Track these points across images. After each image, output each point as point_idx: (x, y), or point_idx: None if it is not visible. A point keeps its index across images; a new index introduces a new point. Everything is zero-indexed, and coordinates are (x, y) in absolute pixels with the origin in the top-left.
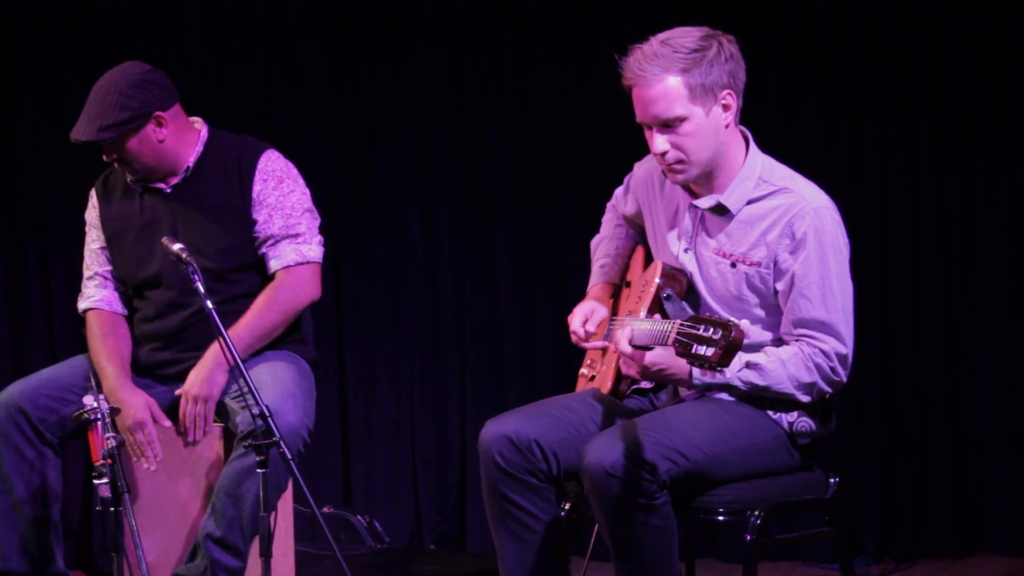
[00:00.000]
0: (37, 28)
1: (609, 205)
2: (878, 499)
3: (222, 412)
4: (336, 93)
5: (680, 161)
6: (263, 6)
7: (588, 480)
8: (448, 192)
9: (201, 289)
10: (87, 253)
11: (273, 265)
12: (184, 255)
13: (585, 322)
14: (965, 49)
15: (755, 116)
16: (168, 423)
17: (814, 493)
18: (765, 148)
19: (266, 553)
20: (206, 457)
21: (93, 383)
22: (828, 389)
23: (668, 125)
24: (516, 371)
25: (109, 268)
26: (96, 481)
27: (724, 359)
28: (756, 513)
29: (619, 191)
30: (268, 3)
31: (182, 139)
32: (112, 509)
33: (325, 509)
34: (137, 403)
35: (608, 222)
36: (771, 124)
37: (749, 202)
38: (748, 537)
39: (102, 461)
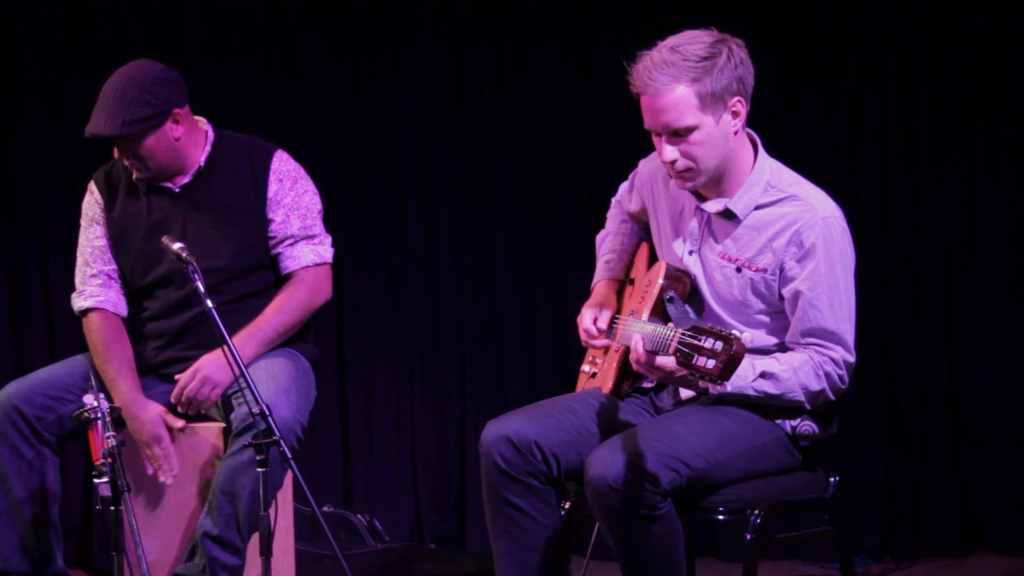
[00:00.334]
0: (37, 27)
1: (614, 200)
2: (878, 498)
3: (218, 410)
4: (336, 93)
5: (689, 169)
6: (263, 6)
7: (592, 494)
8: (448, 192)
9: (201, 288)
10: (88, 249)
11: (290, 265)
12: (184, 254)
13: (595, 320)
14: (965, 47)
15: (755, 114)
16: (180, 423)
17: (814, 492)
18: (765, 146)
19: (266, 552)
20: (206, 456)
21: (93, 382)
22: (832, 397)
23: (677, 134)
24: (516, 371)
25: (114, 267)
26: (96, 480)
27: (725, 372)
28: (756, 512)
29: (624, 187)
30: (268, 3)
31: (192, 138)
32: (112, 508)
33: (325, 508)
34: (152, 417)
35: (613, 218)
36: (771, 122)
37: (757, 207)
38: (748, 536)
39: (102, 460)
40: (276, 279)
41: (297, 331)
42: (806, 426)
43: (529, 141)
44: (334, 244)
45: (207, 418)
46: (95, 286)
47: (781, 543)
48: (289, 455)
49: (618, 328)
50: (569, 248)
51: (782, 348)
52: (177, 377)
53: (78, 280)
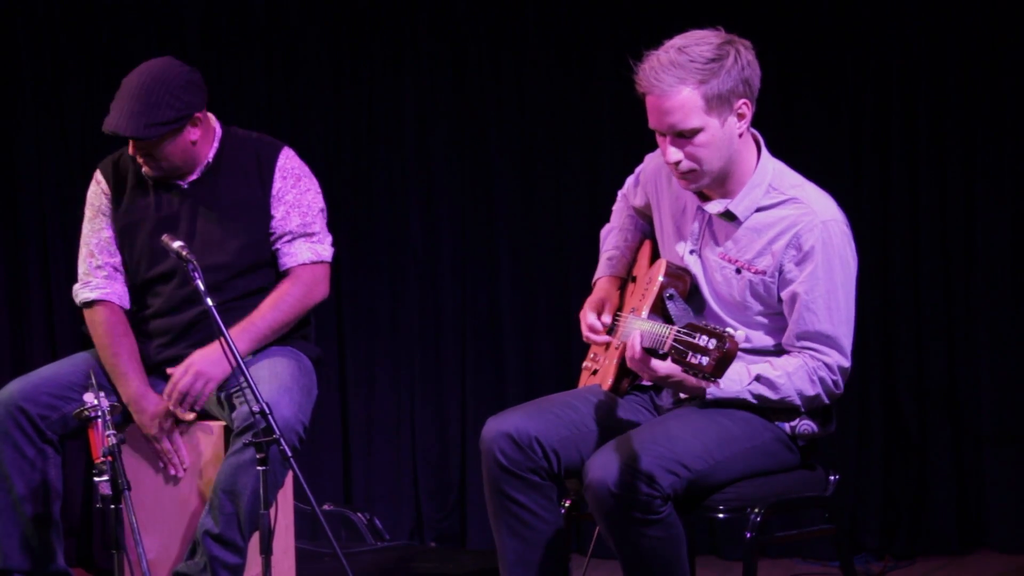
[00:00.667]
0: (37, 24)
1: (620, 194)
2: (878, 496)
3: (222, 409)
4: (336, 92)
5: (693, 171)
6: (263, 4)
7: (591, 498)
8: (448, 190)
9: (201, 286)
10: (94, 240)
11: (287, 262)
12: (184, 252)
13: (598, 316)
14: (966, 47)
15: (755, 114)
16: (190, 415)
17: (814, 491)
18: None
19: (266, 550)
20: (207, 454)
21: (94, 380)
22: (827, 401)
23: (682, 135)
24: (516, 369)
25: (119, 259)
26: (96, 479)
27: (718, 370)
28: (756, 511)
29: (630, 181)
30: (268, 1)
31: (206, 138)
32: (112, 506)
33: (325, 507)
34: (160, 412)
35: (618, 212)
36: (771, 123)
37: (758, 209)
38: (748, 534)
39: (102, 459)
40: (277, 276)
41: (298, 330)
42: (805, 425)
43: (529, 139)
44: (335, 243)
45: (208, 416)
46: (101, 278)
47: (781, 541)
48: (289, 453)
49: (619, 325)
50: (569, 246)
51: (780, 349)
52: (170, 371)
53: (82, 270)
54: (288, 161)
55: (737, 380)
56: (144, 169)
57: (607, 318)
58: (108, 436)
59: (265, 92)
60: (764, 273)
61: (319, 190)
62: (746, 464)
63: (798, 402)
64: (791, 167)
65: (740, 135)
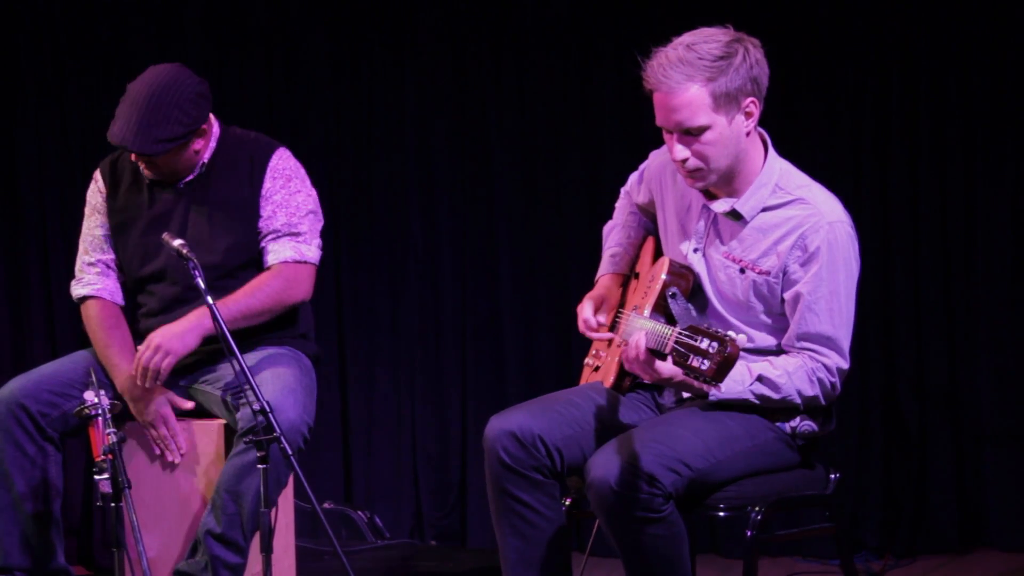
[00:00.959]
0: (37, 22)
1: (623, 191)
2: (879, 495)
3: (222, 409)
4: (337, 91)
5: (700, 169)
6: (263, 3)
7: (593, 496)
8: (449, 189)
9: (202, 285)
10: (88, 237)
11: (270, 259)
12: (185, 251)
13: (596, 312)
14: (966, 45)
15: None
16: (189, 404)
17: (815, 489)
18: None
19: (267, 549)
20: (207, 453)
21: (94, 378)
22: (823, 402)
23: (689, 133)
24: (517, 367)
25: (112, 256)
26: (97, 477)
27: (719, 374)
28: (757, 509)
29: (633, 178)
30: (269, 0)
31: (207, 142)
32: (113, 505)
33: (326, 505)
34: (158, 397)
35: (621, 209)
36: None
37: (764, 209)
38: (749, 533)
39: (103, 457)
40: None
41: (294, 328)
42: (806, 425)
43: (530, 138)
44: (335, 241)
45: (208, 415)
46: (92, 274)
47: (782, 540)
48: (290, 452)
49: (620, 323)
50: (570, 245)
51: (782, 349)
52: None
53: (77, 268)
54: (281, 162)
55: (739, 380)
56: (144, 171)
57: (603, 317)
58: (108, 434)
59: (265, 91)
60: (768, 274)
61: (312, 192)
62: (747, 463)
63: (798, 401)
64: (791, 162)
65: (747, 133)
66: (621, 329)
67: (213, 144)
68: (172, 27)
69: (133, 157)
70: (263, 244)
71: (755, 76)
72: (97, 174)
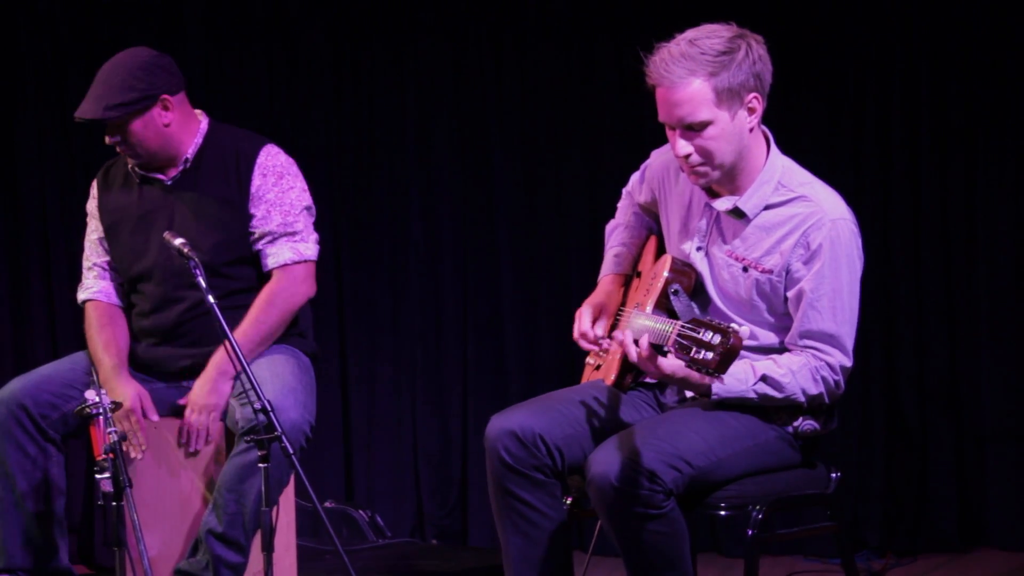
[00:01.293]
0: (38, 19)
1: (625, 191)
2: (880, 494)
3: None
4: (337, 88)
5: (703, 164)
6: (264, 1)
7: (594, 492)
8: (449, 187)
9: (203, 284)
10: (87, 243)
11: (270, 263)
12: (186, 250)
13: (595, 320)
14: (967, 43)
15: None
16: (156, 417)
17: (816, 488)
18: None
19: (268, 548)
20: (207, 452)
21: (95, 377)
22: (828, 401)
23: (692, 128)
24: (518, 366)
25: (107, 259)
26: (98, 476)
27: (722, 366)
28: (758, 508)
29: (635, 178)
30: None
31: (186, 127)
32: (114, 504)
33: (327, 504)
34: (127, 393)
35: (623, 208)
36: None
37: (767, 207)
38: (750, 532)
39: (104, 456)
40: (259, 276)
41: (292, 327)
42: (807, 424)
43: (530, 136)
44: (336, 240)
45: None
46: (91, 278)
47: (783, 539)
48: (291, 451)
49: (622, 320)
50: (570, 243)
51: (785, 347)
52: (182, 402)
53: (81, 274)
54: (269, 158)
55: (743, 379)
56: (129, 163)
57: (600, 328)
58: (109, 433)
59: (266, 89)
60: (771, 272)
61: (305, 187)
62: (748, 462)
63: (802, 400)
64: (793, 159)
65: (750, 130)
66: (622, 326)
67: (200, 140)
68: (172, 26)
69: (107, 140)
70: (260, 247)
71: (758, 72)
72: (94, 184)
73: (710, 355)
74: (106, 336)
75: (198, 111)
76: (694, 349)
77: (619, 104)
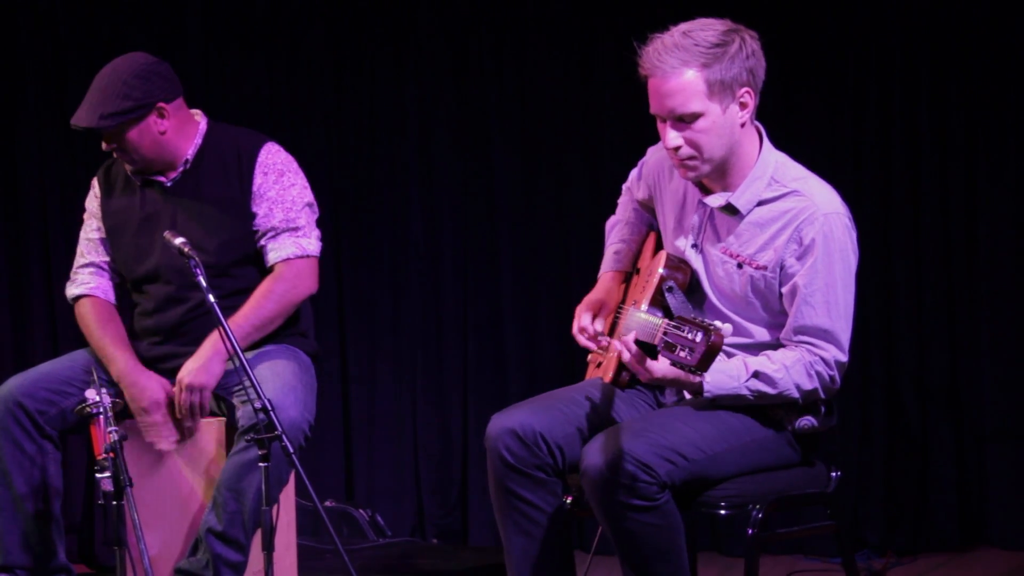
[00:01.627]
0: (38, 19)
1: (625, 187)
2: (880, 493)
3: (224, 407)
4: (337, 87)
5: (692, 157)
6: (264, 0)
7: (587, 484)
8: (450, 186)
9: (203, 283)
10: (84, 241)
11: (272, 258)
12: (186, 249)
13: (594, 317)
14: (968, 39)
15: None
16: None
17: (816, 487)
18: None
19: (268, 547)
20: (208, 451)
21: (95, 376)
22: (823, 396)
23: (683, 120)
24: (518, 365)
25: (107, 259)
26: (98, 475)
27: (703, 364)
28: (757, 507)
29: (633, 174)
30: None
31: (183, 132)
32: (114, 503)
33: (327, 503)
34: (153, 384)
35: (624, 205)
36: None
37: (760, 203)
38: (750, 531)
39: (104, 455)
40: (263, 274)
41: (293, 327)
42: (805, 421)
43: (531, 135)
44: (336, 239)
45: (209, 413)
46: (86, 275)
47: (783, 538)
48: (291, 449)
49: (620, 318)
50: (571, 242)
51: (780, 344)
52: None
53: (72, 272)
54: (270, 156)
55: (735, 376)
56: (125, 166)
57: (600, 324)
58: (110, 432)
59: (267, 88)
60: (765, 269)
61: (306, 184)
62: (745, 458)
63: (796, 395)
64: (792, 158)
65: (742, 125)
66: (620, 325)
67: (199, 140)
68: (173, 26)
69: (104, 146)
70: (263, 243)
71: (751, 67)
72: (94, 181)
73: (692, 353)
74: (112, 332)
75: (195, 111)
76: (678, 348)
77: (619, 104)
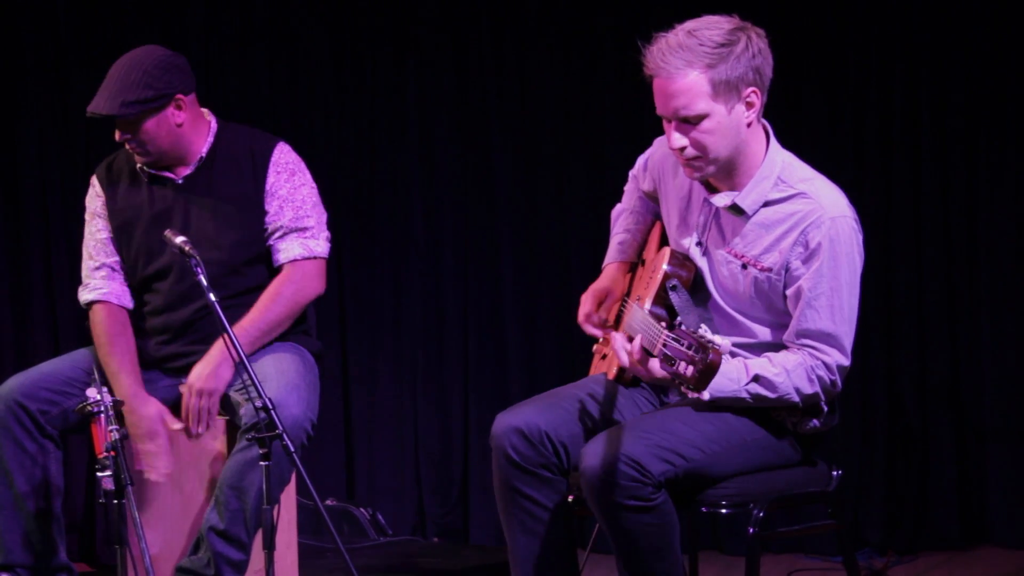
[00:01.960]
0: (40, 15)
1: (631, 174)
2: (881, 492)
3: (226, 405)
4: (338, 87)
5: (698, 158)
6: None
7: (584, 484)
8: (451, 185)
9: (204, 282)
10: (91, 242)
11: (280, 258)
12: (187, 248)
13: (599, 305)
14: (969, 37)
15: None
16: (179, 425)
17: (817, 486)
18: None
19: (269, 546)
20: (209, 450)
21: (96, 376)
22: (823, 399)
23: (688, 121)
24: (519, 364)
25: (117, 259)
26: (99, 474)
27: (700, 382)
28: (758, 506)
29: (640, 162)
30: None
31: (196, 127)
32: (115, 502)
33: (328, 502)
34: (151, 413)
35: (630, 192)
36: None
37: (766, 204)
38: (751, 530)
39: (105, 453)
40: (271, 274)
41: (298, 325)
42: (810, 425)
43: (532, 133)
44: (337, 238)
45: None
46: (99, 279)
47: (784, 537)
48: (292, 448)
49: (624, 314)
50: (572, 241)
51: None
52: (181, 388)
53: (83, 274)
54: (283, 156)
55: (735, 378)
56: (137, 160)
57: (605, 312)
58: (111, 431)
59: (268, 87)
60: (770, 270)
61: (314, 186)
62: (746, 458)
63: (796, 400)
64: (794, 155)
65: (749, 124)
66: (624, 322)
67: (211, 139)
68: (174, 25)
69: (117, 137)
70: (271, 242)
71: (757, 66)
72: (94, 179)
73: (691, 370)
74: (121, 347)
75: (205, 110)
76: (677, 362)
77: (620, 103)
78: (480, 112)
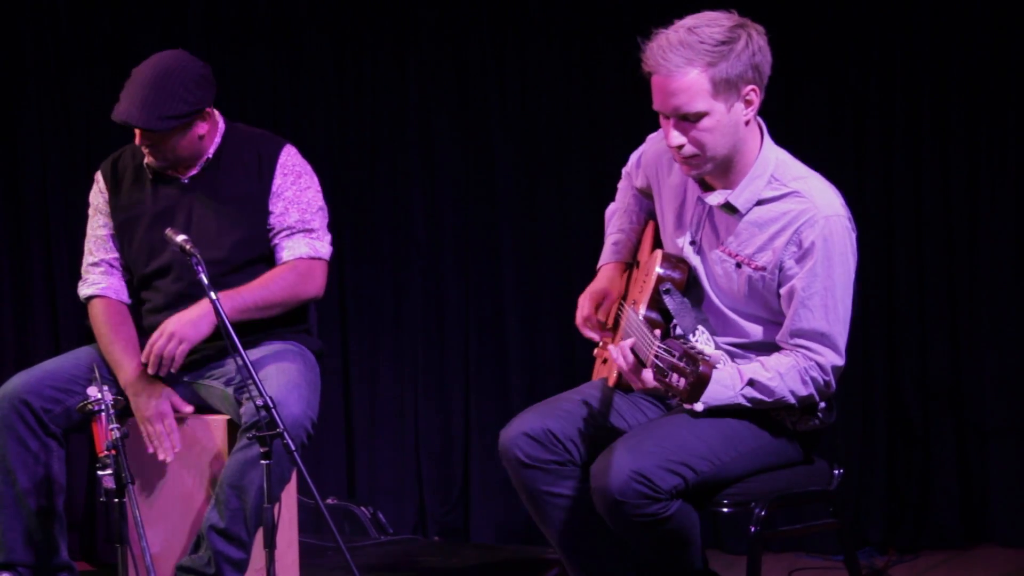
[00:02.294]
0: (41, 18)
1: (624, 171)
2: (882, 491)
3: (226, 404)
4: (339, 86)
5: (695, 156)
6: None
7: (599, 503)
8: (452, 184)
9: (205, 280)
10: (92, 238)
11: (285, 255)
12: (188, 246)
13: (597, 307)
14: (970, 35)
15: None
16: (189, 408)
17: (818, 485)
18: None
19: (270, 544)
20: (210, 448)
21: (97, 374)
22: (819, 399)
23: (687, 119)
24: (519, 363)
25: (117, 256)
26: (100, 472)
27: (691, 395)
28: (760, 505)
29: (633, 159)
30: None
31: (211, 133)
32: (116, 500)
33: (329, 500)
34: (160, 394)
35: (623, 191)
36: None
37: (760, 202)
38: (752, 529)
39: (106, 452)
40: None
41: (299, 324)
42: (810, 424)
43: (532, 134)
44: (338, 236)
45: (212, 411)
46: (97, 274)
47: (785, 536)
48: (293, 447)
49: (622, 319)
50: (572, 240)
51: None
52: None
53: (82, 270)
54: (289, 158)
55: (729, 385)
56: (147, 159)
57: (603, 314)
58: (112, 430)
59: (269, 86)
60: (764, 269)
61: (319, 189)
62: (752, 462)
63: (792, 402)
64: (793, 154)
65: (747, 122)
66: (622, 327)
67: (218, 139)
68: (175, 25)
69: (137, 140)
70: (277, 241)
71: (757, 63)
72: (98, 175)
73: (682, 382)
74: (123, 336)
75: (215, 110)
76: (669, 374)
77: (620, 102)
78: (480, 112)
